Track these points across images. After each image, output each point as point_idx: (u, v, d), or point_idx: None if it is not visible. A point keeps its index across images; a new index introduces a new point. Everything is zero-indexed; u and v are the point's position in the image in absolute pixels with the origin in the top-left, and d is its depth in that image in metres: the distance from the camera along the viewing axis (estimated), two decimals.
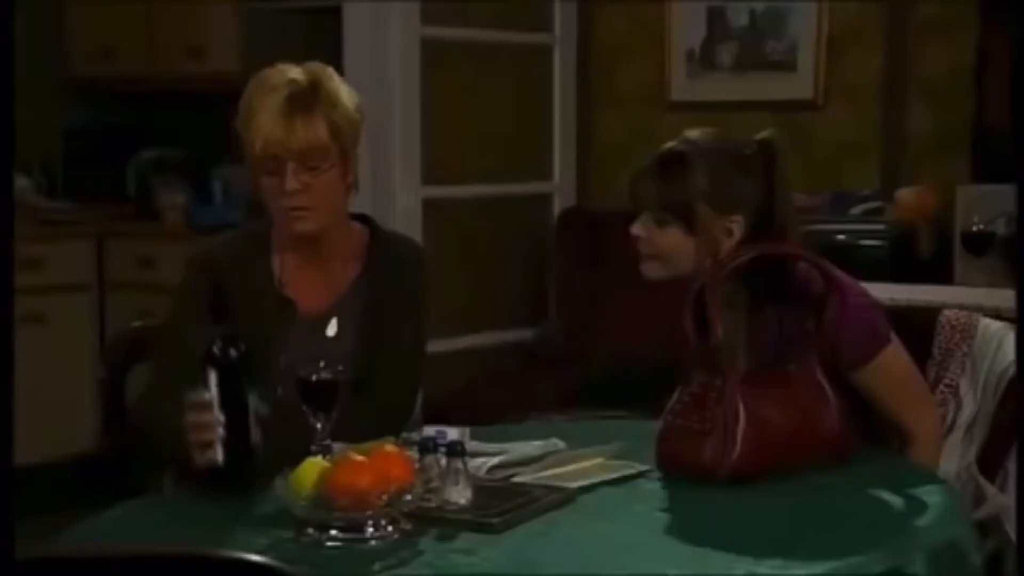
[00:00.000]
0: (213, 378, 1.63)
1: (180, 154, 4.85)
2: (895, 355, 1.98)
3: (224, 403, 1.63)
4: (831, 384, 1.90)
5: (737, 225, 1.94)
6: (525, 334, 4.17)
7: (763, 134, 2.00)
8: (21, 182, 4.51)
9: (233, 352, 1.65)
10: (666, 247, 1.94)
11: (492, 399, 3.60)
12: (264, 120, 1.90)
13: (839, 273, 1.98)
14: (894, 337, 1.99)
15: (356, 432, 1.76)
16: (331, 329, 1.82)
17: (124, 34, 4.76)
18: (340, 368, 1.74)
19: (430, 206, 3.85)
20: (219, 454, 1.64)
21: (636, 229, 1.96)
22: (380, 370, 1.99)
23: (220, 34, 4.54)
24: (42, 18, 4.85)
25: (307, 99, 1.93)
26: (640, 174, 1.98)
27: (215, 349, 1.65)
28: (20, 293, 4.17)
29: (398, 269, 2.08)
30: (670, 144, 1.98)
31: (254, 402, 1.65)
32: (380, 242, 2.09)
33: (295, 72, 1.96)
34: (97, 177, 4.86)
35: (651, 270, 1.98)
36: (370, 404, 1.93)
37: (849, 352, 1.93)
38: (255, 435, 1.65)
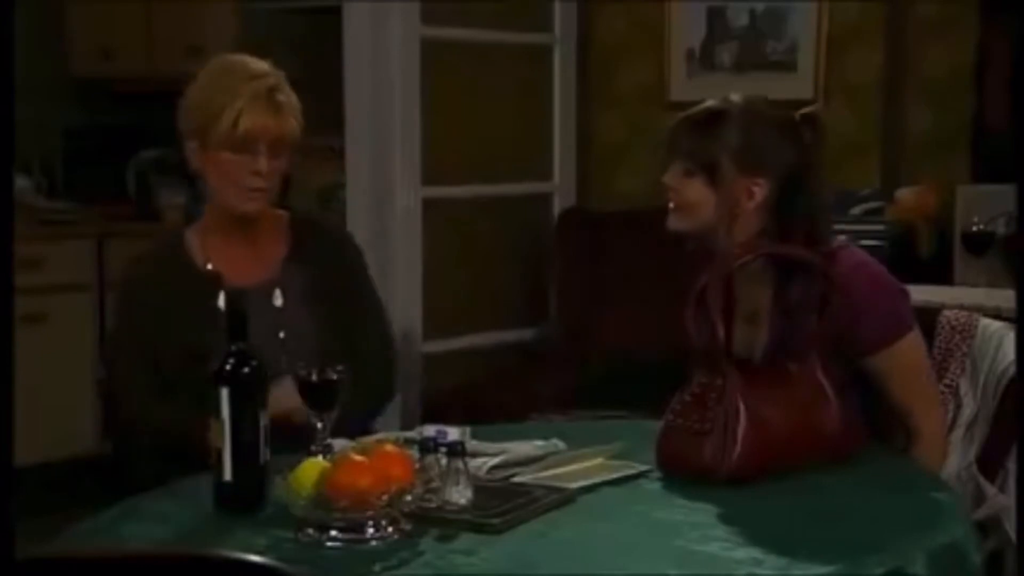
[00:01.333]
0: (225, 395, 1.63)
1: (180, 154, 4.84)
2: (914, 345, 1.99)
3: (235, 420, 1.63)
4: (843, 375, 1.90)
5: (760, 188, 1.97)
6: (525, 334, 4.16)
7: (808, 109, 2.04)
8: (21, 182, 4.51)
9: (245, 369, 1.64)
10: (689, 198, 1.99)
11: (492, 399, 3.60)
12: (249, 102, 2.01)
13: (867, 258, 2.01)
14: (916, 328, 2.00)
15: (341, 412, 1.78)
16: (277, 299, 1.89)
17: (124, 34, 4.76)
18: (340, 368, 1.75)
19: (430, 206, 3.85)
20: (228, 471, 1.64)
21: (666, 178, 2.02)
22: (355, 349, 2.08)
23: (220, 34, 4.53)
24: (42, 18, 4.85)
25: (283, 93, 2.07)
26: (677, 124, 2.03)
27: (227, 367, 1.64)
28: (20, 293, 4.16)
29: (335, 247, 2.21)
30: (705, 104, 2.03)
31: (265, 419, 1.65)
32: (304, 222, 2.21)
33: (264, 65, 2.10)
34: (97, 177, 4.85)
35: (673, 221, 2.02)
36: (353, 383, 1.98)
37: (869, 335, 1.95)
38: (264, 453, 1.65)
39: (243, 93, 2.02)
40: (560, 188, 4.26)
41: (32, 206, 4.56)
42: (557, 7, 4.20)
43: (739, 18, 4.01)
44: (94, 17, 4.81)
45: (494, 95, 4.09)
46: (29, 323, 4.19)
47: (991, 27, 3.43)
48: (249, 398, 1.64)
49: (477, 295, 4.07)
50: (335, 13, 3.91)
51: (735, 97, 2.01)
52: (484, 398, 3.62)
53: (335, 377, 1.74)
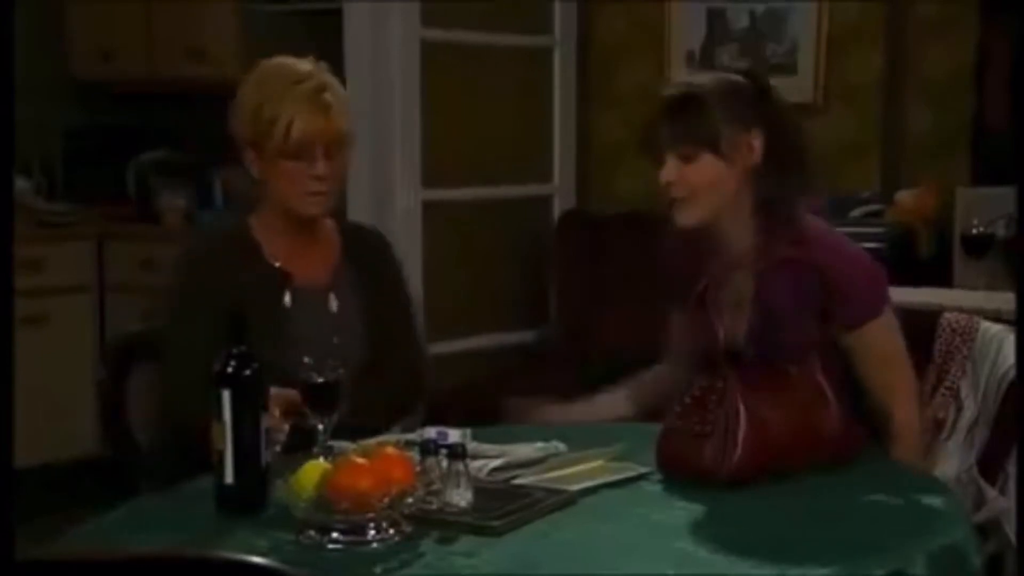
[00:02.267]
0: (227, 398, 1.63)
1: (180, 155, 4.84)
2: (890, 324, 2.00)
3: (236, 422, 1.63)
4: (837, 378, 1.91)
5: (758, 141, 1.96)
6: (526, 336, 4.16)
7: (741, 66, 2.04)
8: (20, 183, 4.50)
9: (247, 371, 1.64)
10: (700, 180, 1.94)
11: (493, 400, 3.60)
12: (299, 107, 1.99)
13: (843, 237, 2.03)
14: (890, 311, 2.00)
15: (375, 417, 1.83)
16: (333, 304, 1.89)
17: (124, 35, 4.75)
18: (340, 370, 1.75)
19: (430, 207, 3.85)
20: (230, 473, 1.64)
21: (666, 174, 1.96)
22: (391, 354, 2.10)
23: (220, 36, 4.53)
24: (42, 19, 4.84)
25: (332, 91, 2.04)
26: (655, 121, 2.00)
27: (228, 368, 1.64)
28: (20, 295, 4.13)
29: (377, 253, 2.21)
30: (671, 90, 2.02)
31: (266, 421, 1.66)
32: (352, 228, 2.22)
33: (307, 65, 2.07)
34: (97, 178, 4.84)
35: (688, 216, 1.97)
36: (386, 387, 2.03)
37: (849, 312, 1.95)
38: (266, 455, 1.66)
39: (291, 99, 1.99)
40: (560, 190, 4.26)
41: (32, 207, 4.55)
42: (557, 8, 4.20)
43: (739, 20, 4.01)
44: (94, 18, 4.80)
45: (494, 96, 4.09)
46: (29, 325, 4.19)
47: (991, 27, 3.43)
48: (250, 400, 1.64)
49: (477, 297, 4.07)
50: (335, 15, 3.91)
51: (682, 79, 2.07)
52: (485, 400, 3.62)
53: (336, 379, 1.74)
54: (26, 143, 4.60)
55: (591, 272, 3.99)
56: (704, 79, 2.02)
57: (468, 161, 4.03)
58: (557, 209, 4.24)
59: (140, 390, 2.15)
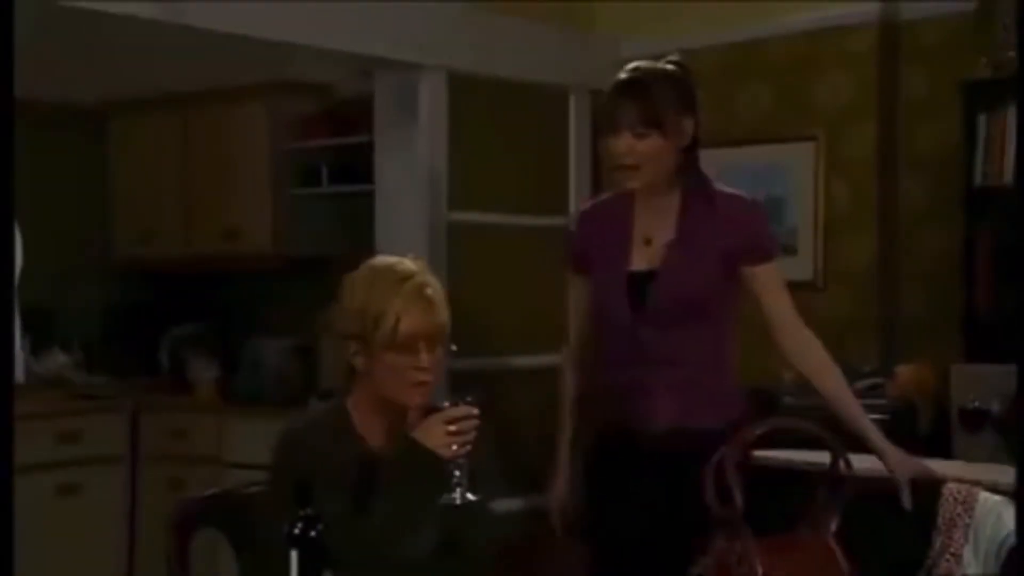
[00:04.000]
0: (294, 557, 1.74)
1: (210, 328, 4.96)
2: (777, 267, 2.45)
3: None
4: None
5: (690, 124, 2.36)
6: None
7: (672, 58, 2.42)
8: (62, 358, 4.66)
9: (312, 533, 1.75)
10: (648, 154, 2.33)
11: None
12: (406, 304, 2.09)
13: (743, 195, 2.43)
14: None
15: None
16: None
17: (163, 218, 4.93)
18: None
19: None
20: None
21: (622, 146, 2.34)
22: (465, 535, 2.13)
23: (255, 217, 4.71)
24: (87, 208, 5.01)
25: (433, 288, 2.13)
26: (614, 100, 2.35)
27: (296, 530, 1.75)
28: (58, 466, 4.29)
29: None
30: (626, 76, 2.37)
31: None
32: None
33: (409, 263, 2.16)
34: (133, 351, 4.97)
35: (635, 181, 2.36)
36: (465, 566, 2.09)
37: (753, 250, 2.41)
38: None
39: (398, 296, 2.08)
40: None
41: (72, 381, 4.67)
42: (572, 194, 4.42)
43: None
44: (136, 203, 4.99)
45: (519, 273, 4.18)
46: (64, 495, 4.25)
47: (975, 219, 3.58)
48: (316, 561, 1.76)
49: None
50: (366, 196, 4.08)
51: (632, 65, 2.38)
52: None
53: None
54: (68, 322, 4.79)
55: None
56: (651, 68, 2.38)
57: (497, 333, 4.10)
58: None
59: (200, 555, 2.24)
